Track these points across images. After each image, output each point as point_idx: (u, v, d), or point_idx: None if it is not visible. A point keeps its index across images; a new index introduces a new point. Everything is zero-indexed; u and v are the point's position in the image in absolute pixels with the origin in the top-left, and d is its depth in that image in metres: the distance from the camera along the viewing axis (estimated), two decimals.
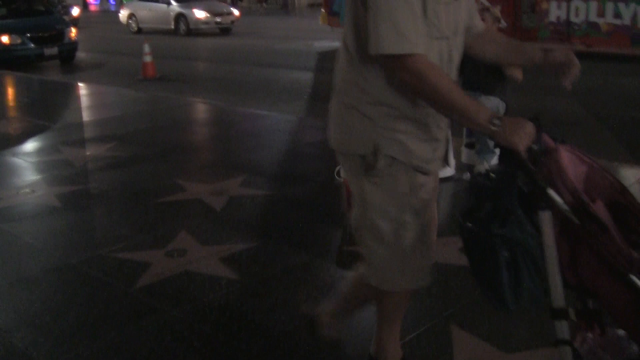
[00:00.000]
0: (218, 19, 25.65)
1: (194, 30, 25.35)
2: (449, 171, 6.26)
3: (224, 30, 26.47)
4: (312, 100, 11.22)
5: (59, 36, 16.65)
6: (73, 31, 17.13)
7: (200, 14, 25.18)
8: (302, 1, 47.48)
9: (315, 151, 7.44)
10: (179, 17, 25.52)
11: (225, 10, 26.58)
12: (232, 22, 26.68)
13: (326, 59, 17.05)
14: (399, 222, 2.57)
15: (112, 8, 51.33)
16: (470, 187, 2.86)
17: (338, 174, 6.03)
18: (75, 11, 31.30)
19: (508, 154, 2.33)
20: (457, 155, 6.61)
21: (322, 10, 19.58)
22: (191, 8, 25.37)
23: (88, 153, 7.57)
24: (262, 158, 7.28)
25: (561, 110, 9.80)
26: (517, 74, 6.50)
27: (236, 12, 27.66)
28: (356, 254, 3.62)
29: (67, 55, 17.08)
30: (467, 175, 6.31)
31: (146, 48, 13.86)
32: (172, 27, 25.70)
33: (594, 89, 11.22)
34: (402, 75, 2.28)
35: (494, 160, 6.54)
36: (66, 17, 28.16)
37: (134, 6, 27.77)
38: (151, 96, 11.52)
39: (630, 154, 7.52)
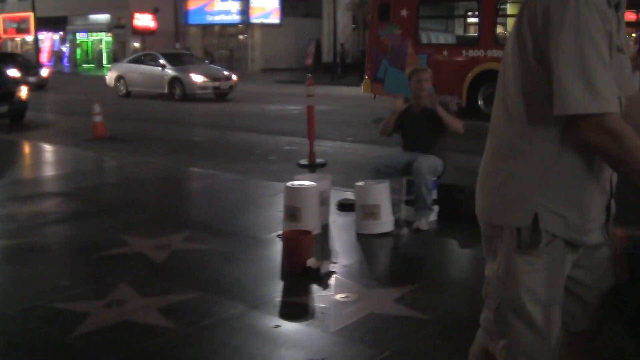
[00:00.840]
0: (216, 84, 24.46)
1: (190, 95, 23.90)
2: (388, 226, 6.41)
3: (221, 96, 24.85)
4: (259, 160, 11.37)
5: (9, 95, 16.62)
6: (24, 90, 17.12)
7: (197, 78, 24.03)
8: (255, 66, 48.13)
9: (256, 208, 7.57)
10: (174, 81, 24.39)
11: (223, 75, 25.19)
12: (231, 87, 25.07)
13: (278, 120, 17.32)
14: (549, 305, 2.33)
15: (66, 70, 51.37)
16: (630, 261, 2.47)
17: (279, 235, 6.18)
18: (45, 72, 31.41)
19: None
20: (396, 212, 6.78)
21: (365, 77, 19.03)
22: (188, 72, 24.35)
23: (32, 208, 7.59)
24: (206, 215, 7.39)
25: None
26: None
27: (234, 77, 25.63)
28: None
29: (17, 114, 17.04)
30: (405, 231, 6.48)
31: (96, 108, 13.94)
32: (167, 91, 24.43)
33: None
34: (593, 137, 2.07)
35: (432, 217, 6.74)
36: (34, 79, 28.91)
37: (123, 68, 26.97)
38: (99, 155, 11.58)
39: None
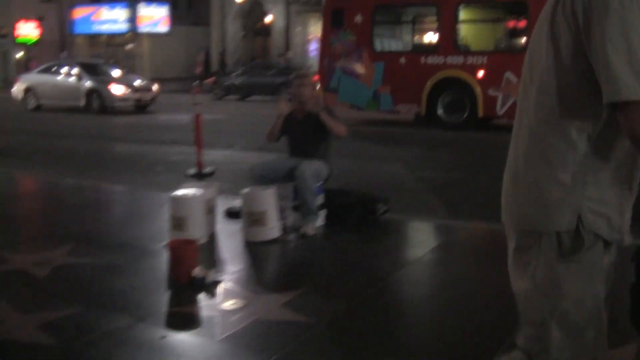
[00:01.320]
0: (137, 95, 23.24)
1: (110, 108, 22.63)
2: (275, 232, 6.44)
3: (141, 108, 23.53)
4: (146, 172, 11.23)
5: None
6: None
7: (118, 89, 22.75)
8: (144, 76, 47.38)
9: (142, 219, 7.48)
10: (92, 92, 22.85)
11: (144, 85, 24.07)
12: (153, 98, 23.99)
13: (166, 130, 17.12)
14: (594, 312, 2.26)
15: None
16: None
17: (165, 245, 6.13)
18: None
19: None
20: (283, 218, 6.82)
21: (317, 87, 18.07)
22: (107, 83, 23.00)
23: None
24: (91, 228, 7.22)
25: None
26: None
27: (155, 86, 24.86)
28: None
29: None
30: (292, 237, 6.53)
31: None
32: (83, 103, 22.91)
33: None
34: None
35: (319, 222, 6.82)
36: None
37: (32, 79, 25.01)
38: None
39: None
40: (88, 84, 23.06)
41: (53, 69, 24.93)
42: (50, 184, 10.25)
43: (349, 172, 10.13)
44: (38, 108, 24.14)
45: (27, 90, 24.55)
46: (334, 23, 18.13)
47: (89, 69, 24.16)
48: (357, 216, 7.05)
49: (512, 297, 2.40)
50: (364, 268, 5.78)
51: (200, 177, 10.36)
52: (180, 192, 6.42)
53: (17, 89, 25.18)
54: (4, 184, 9.99)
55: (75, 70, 23.80)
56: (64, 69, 24.47)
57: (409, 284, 5.54)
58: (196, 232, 6.17)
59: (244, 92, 29.16)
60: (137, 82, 24.13)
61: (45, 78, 24.33)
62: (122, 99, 22.71)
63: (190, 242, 5.40)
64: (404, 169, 10.88)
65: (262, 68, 30.33)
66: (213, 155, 12.27)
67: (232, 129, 17.60)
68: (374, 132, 16.22)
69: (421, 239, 6.77)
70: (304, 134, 6.96)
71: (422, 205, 8.38)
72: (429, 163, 11.77)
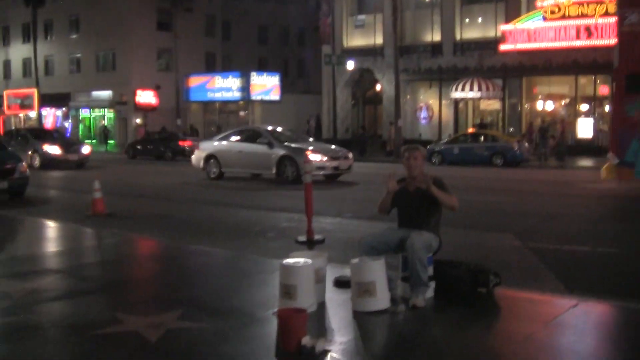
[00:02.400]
0: (335, 163, 21.25)
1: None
2: (384, 303, 6.37)
3: (333, 177, 22.05)
4: (257, 237, 11.37)
5: (9, 171, 16.72)
6: (24, 166, 17.29)
7: (315, 157, 20.32)
8: None
9: (254, 286, 7.53)
10: (284, 160, 21.10)
11: (342, 153, 22.12)
12: (350, 167, 22.06)
13: (277, 197, 17.36)
14: None
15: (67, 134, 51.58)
16: None
17: (275, 313, 6.16)
18: (86, 149, 30.58)
19: None
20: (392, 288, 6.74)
21: (608, 161, 16.60)
22: (303, 150, 20.48)
23: (27, 285, 7.55)
24: (201, 292, 7.32)
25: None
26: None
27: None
28: None
29: (17, 190, 17.12)
30: (401, 308, 6.43)
31: (96, 184, 14.03)
32: (274, 171, 21.36)
33: None
34: None
35: (429, 294, 6.71)
36: (75, 156, 29.60)
37: (214, 147, 23.38)
38: (98, 232, 11.58)
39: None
40: (281, 151, 21.29)
41: (236, 136, 23.67)
42: (159, 247, 10.54)
43: (459, 243, 9.99)
44: (220, 176, 22.89)
45: (209, 158, 23.06)
46: (628, 89, 16.32)
47: (278, 136, 22.76)
48: (467, 288, 6.92)
49: None
50: (475, 343, 5.63)
51: (310, 244, 10.46)
52: (290, 260, 6.45)
53: (197, 157, 23.77)
54: (117, 247, 10.33)
55: (264, 139, 22.07)
56: (251, 136, 23.07)
57: None
58: (305, 300, 6.17)
59: None
60: (335, 150, 22.28)
61: (230, 145, 22.96)
62: (320, 167, 20.59)
63: (299, 311, 5.40)
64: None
65: None
66: (323, 223, 12.38)
67: (344, 196, 17.70)
68: None
69: (536, 314, 6.52)
70: (414, 206, 6.93)
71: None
72: None
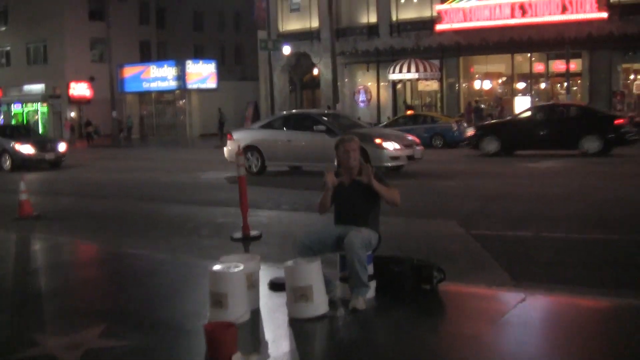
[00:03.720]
0: (409, 152, 18.57)
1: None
2: (322, 308, 5.95)
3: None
4: (191, 235, 10.88)
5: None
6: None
7: (389, 145, 18.04)
8: (194, 132, 47.71)
9: (184, 294, 7.05)
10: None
11: (412, 141, 19.24)
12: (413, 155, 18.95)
13: (214, 190, 16.85)
14: None
15: None
16: None
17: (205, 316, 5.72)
18: (62, 146, 27.14)
19: None
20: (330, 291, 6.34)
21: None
22: (372, 138, 18.08)
23: None
24: (127, 303, 6.81)
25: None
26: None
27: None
28: None
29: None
30: (340, 312, 6.03)
31: (22, 186, 13.33)
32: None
33: None
34: None
35: (370, 294, 6.32)
36: (51, 155, 26.23)
37: (254, 136, 20.27)
38: (22, 237, 10.94)
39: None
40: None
41: (281, 123, 20.67)
42: (88, 251, 9.98)
43: (399, 234, 9.68)
44: (262, 171, 19.93)
45: (247, 150, 19.28)
46: None
47: (333, 122, 19.61)
48: (410, 286, 6.55)
49: None
50: (420, 346, 5.27)
51: (246, 241, 10.02)
52: (219, 266, 5.99)
53: (231, 148, 19.91)
54: (40, 253, 9.73)
55: (319, 124, 19.12)
56: (301, 122, 20.14)
57: None
58: (237, 309, 5.73)
59: None
60: (405, 138, 19.37)
61: (274, 134, 19.93)
62: (393, 156, 18.09)
63: (228, 326, 4.94)
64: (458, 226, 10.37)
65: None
66: (260, 216, 11.95)
67: (280, 185, 17.28)
68: None
69: (483, 311, 6.18)
70: (352, 201, 6.51)
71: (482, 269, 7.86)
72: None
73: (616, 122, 23.23)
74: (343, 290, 6.39)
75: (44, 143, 27.10)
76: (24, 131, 30.56)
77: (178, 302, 6.72)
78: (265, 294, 6.62)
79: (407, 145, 18.56)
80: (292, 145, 19.32)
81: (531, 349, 5.15)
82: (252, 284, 6.18)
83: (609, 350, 5.06)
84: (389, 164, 17.79)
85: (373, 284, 6.42)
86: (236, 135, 20.77)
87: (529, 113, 25.19)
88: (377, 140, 17.93)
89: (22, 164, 25.58)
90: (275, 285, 6.77)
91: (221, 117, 42.15)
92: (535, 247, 9.21)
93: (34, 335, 5.76)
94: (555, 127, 23.03)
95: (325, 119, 19.64)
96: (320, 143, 17.95)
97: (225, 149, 20.72)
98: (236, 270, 5.85)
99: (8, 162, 25.69)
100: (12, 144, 25.91)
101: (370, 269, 6.37)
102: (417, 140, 19.41)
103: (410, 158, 18.46)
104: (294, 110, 26.91)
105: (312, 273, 5.91)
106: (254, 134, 20.37)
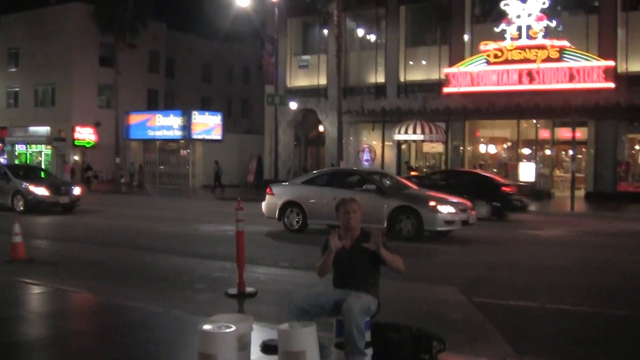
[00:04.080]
0: (464, 217, 17.23)
1: (430, 232, 17.12)
2: None
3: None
4: (185, 289, 10.59)
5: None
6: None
7: (444, 208, 16.82)
8: (196, 182, 47.57)
9: (173, 352, 6.75)
10: (402, 211, 16.98)
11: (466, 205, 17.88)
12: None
13: (212, 243, 16.58)
14: None
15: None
16: None
17: None
18: (77, 190, 26.21)
19: None
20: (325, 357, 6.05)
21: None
22: (426, 200, 17.22)
23: None
24: None
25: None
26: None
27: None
28: None
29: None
30: None
31: (16, 228, 13.11)
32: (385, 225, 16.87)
33: None
34: None
35: None
36: (66, 199, 25.14)
37: (296, 192, 19.15)
38: (9, 282, 10.64)
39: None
40: (396, 200, 17.22)
41: (326, 179, 19.56)
42: (76, 300, 9.68)
43: (398, 299, 9.40)
44: (303, 229, 18.62)
45: (288, 206, 18.81)
46: None
47: (381, 180, 18.79)
48: (409, 355, 6.26)
49: None
50: None
51: (241, 298, 9.75)
52: (209, 325, 5.71)
53: (271, 204, 19.28)
54: (30, 301, 9.43)
55: (371, 184, 18.02)
56: (349, 179, 19.49)
57: None
58: None
59: None
60: (456, 200, 17.79)
61: (318, 191, 18.77)
62: (449, 220, 16.93)
63: None
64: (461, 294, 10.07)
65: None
66: (257, 273, 11.71)
67: (280, 241, 17.01)
68: None
69: None
70: (353, 265, 6.26)
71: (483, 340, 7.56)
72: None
73: (503, 189, 24.55)
74: (338, 356, 6.10)
75: (58, 186, 26.13)
76: (37, 173, 29.85)
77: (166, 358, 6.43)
78: (257, 356, 6.34)
79: (462, 209, 17.35)
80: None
81: None
82: (244, 346, 5.90)
83: None
84: (443, 229, 17.00)
85: (370, 352, 6.14)
86: (276, 190, 19.69)
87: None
88: (432, 203, 16.94)
89: (35, 206, 24.79)
90: (268, 348, 6.49)
91: (218, 170, 42.23)
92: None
93: None
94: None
95: (375, 177, 18.72)
96: (369, 202, 16.45)
97: (263, 203, 19.56)
98: (227, 331, 5.57)
99: (21, 204, 24.78)
100: (26, 185, 25.17)
101: (368, 335, 6.09)
102: (470, 204, 18.12)
103: (464, 223, 17.28)
104: (340, 168, 26.02)
105: (307, 338, 5.62)
106: (296, 190, 19.32)
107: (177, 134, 48.22)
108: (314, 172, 23.45)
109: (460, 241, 17.04)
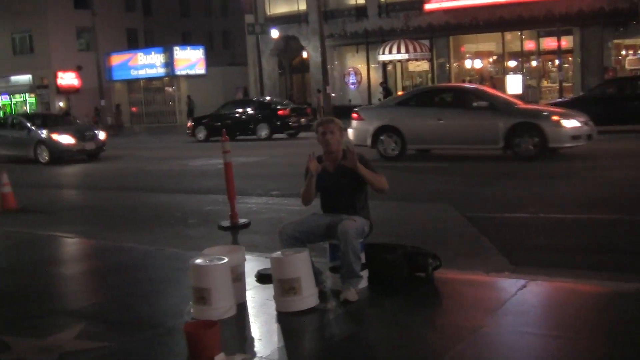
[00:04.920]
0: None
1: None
2: (311, 301, 5.62)
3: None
4: (178, 224, 10.53)
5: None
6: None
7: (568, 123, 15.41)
8: (183, 118, 47.20)
9: (168, 288, 6.69)
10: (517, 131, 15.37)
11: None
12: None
13: (202, 177, 16.50)
14: None
15: None
16: None
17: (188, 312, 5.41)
18: (102, 135, 24.70)
19: None
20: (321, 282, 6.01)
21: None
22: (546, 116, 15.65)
23: None
24: (106, 301, 6.47)
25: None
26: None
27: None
28: None
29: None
30: (331, 305, 5.69)
31: (4, 178, 12.97)
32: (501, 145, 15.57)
33: None
34: None
35: (362, 284, 6.00)
36: (92, 145, 23.77)
37: (395, 114, 17.19)
38: (2, 232, 10.57)
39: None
40: (512, 118, 15.61)
41: (425, 99, 17.88)
42: (68, 245, 9.57)
43: (390, 218, 9.36)
44: (400, 154, 17.03)
45: (382, 132, 17.12)
46: None
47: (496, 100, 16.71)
48: (404, 274, 6.22)
49: None
50: (417, 342, 4.94)
51: (234, 229, 9.70)
52: (201, 259, 5.64)
53: (361, 130, 17.56)
54: (20, 248, 9.34)
55: (483, 101, 16.43)
56: (453, 97, 17.84)
57: None
58: (222, 304, 5.41)
59: None
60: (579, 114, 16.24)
61: (417, 113, 17.20)
62: (575, 135, 15.53)
63: (210, 325, 4.59)
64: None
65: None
66: (249, 204, 11.65)
67: (271, 171, 16.91)
68: None
69: (481, 300, 5.84)
70: (339, 187, 6.14)
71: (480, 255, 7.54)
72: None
73: (280, 112, 28.14)
74: (334, 281, 6.07)
75: (82, 132, 24.53)
76: (55, 120, 27.37)
77: (161, 298, 6.38)
78: (253, 287, 6.31)
79: (585, 122, 15.79)
80: (442, 126, 16.38)
81: (533, 339, 4.84)
82: (238, 277, 5.84)
83: (615, 337, 4.74)
84: (571, 144, 15.59)
85: (365, 274, 6.10)
86: (365, 114, 17.89)
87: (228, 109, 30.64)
88: (555, 117, 15.56)
89: (60, 155, 23.30)
90: (264, 277, 6.43)
91: (190, 104, 42.18)
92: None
93: (5, 338, 5.40)
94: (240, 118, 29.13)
95: (487, 94, 17.07)
96: (482, 122, 15.71)
97: (350, 130, 17.41)
98: (219, 263, 5.51)
99: (45, 154, 23.30)
100: (49, 134, 23.50)
101: (362, 257, 6.04)
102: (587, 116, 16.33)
103: (589, 137, 15.77)
104: (442, 85, 23.90)
105: (300, 264, 5.56)
106: (391, 113, 17.43)
107: (160, 71, 47.76)
108: (411, 91, 22.65)
109: (445, 158, 16.99)
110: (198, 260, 5.60)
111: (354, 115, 17.94)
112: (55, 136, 23.44)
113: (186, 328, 4.63)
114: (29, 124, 24.52)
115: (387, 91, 34.79)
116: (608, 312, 5.37)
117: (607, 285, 6.11)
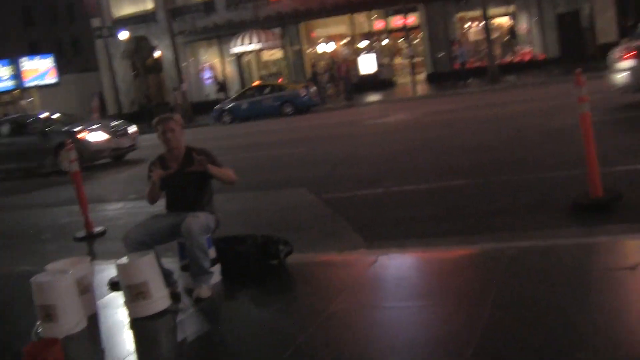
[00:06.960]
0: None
1: None
2: (162, 303, 5.55)
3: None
4: (34, 241, 10.18)
5: None
6: None
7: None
8: None
9: (19, 310, 6.44)
10: None
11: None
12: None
13: (56, 189, 15.98)
14: None
15: None
16: None
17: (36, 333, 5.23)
18: (132, 128, 20.51)
19: None
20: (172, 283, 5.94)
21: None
22: None
23: None
24: None
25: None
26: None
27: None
28: None
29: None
30: (183, 305, 5.64)
31: None
32: None
33: None
34: None
35: (215, 279, 5.98)
36: (127, 141, 19.80)
37: None
38: None
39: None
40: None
41: None
42: None
43: (234, 210, 9.35)
44: None
45: None
46: None
47: None
48: (257, 264, 6.24)
49: None
50: (271, 330, 4.95)
51: (90, 239, 9.47)
52: (43, 276, 5.46)
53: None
54: None
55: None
56: None
57: (324, 345, 4.67)
58: (69, 319, 5.26)
59: None
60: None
61: None
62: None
63: (50, 344, 4.43)
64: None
65: None
66: (106, 210, 11.39)
67: (131, 174, 16.58)
68: None
69: (333, 280, 5.92)
70: (182, 185, 6.06)
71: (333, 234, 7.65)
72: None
73: None
74: (186, 280, 6.01)
75: (110, 126, 20.03)
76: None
77: (10, 321, 6.14)
78: (105, 296, 6.17)
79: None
80: None
81: (383, 312, 4.94)
82: (86, 289, 5.70)
83: (465, 298, 4.90)
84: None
85: (218, 268, 6.08)
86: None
87: None
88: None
89: (92, 157, 18.84)
90: (115, 285, 6.29)
91: (102, 103, 41.26)
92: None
93: None
94: None
95: None
96: None
97: (624, 74, 13.51)
98: (62, 277, 5.36)
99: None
100: (74, 133, 18.58)
101: (212, 252, 6.02)
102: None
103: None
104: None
105: (146, 268, 5.48)
106: None
107: (8, 84, 45.76)
108: None
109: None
110: (39, 278, 5.41)
111: (631, 53, 13.37)
112: (84, 135, 19.01)
113: (25, 349, 4.46)
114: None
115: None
116: (455, 275, 5.53)
117: (454, 250, 6.34)
